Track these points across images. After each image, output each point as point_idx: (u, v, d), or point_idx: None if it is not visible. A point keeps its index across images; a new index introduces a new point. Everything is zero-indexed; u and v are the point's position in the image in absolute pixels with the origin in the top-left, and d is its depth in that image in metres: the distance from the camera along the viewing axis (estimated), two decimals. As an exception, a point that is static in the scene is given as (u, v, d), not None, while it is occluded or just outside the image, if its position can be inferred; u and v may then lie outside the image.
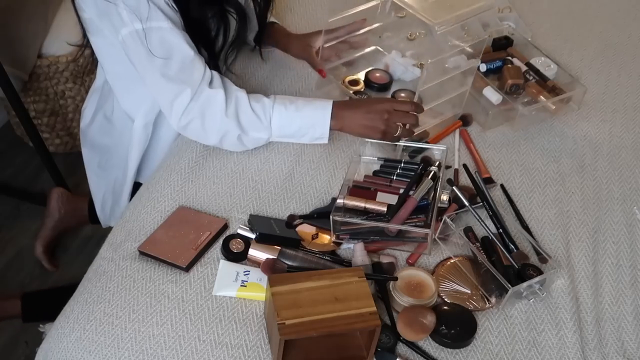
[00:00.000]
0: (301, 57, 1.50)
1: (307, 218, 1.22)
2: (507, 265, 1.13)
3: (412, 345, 1.05)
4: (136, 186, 1.45)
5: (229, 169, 1.31)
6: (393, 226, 1.16)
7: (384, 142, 1.32)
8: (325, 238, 1.18)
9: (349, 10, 1.44)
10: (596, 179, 1.37)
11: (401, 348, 1.05)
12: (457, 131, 1.43)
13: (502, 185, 1.33)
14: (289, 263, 1.12)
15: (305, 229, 1.19)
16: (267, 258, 1.12)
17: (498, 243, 1.17)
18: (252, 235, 1.16)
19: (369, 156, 1.33)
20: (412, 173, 1.26)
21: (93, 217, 1.80)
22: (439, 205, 1.20)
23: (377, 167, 1.32)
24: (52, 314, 1.14)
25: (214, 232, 1.18)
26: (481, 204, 1.23)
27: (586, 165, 1.40)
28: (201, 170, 1.31)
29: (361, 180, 1.29)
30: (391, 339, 1.04)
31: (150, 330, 1.05)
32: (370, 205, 1.20)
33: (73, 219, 2.04)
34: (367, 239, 1.17)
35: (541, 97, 1.43)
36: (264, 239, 1.15)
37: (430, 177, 1.23)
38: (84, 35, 1.35)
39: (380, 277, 1.12)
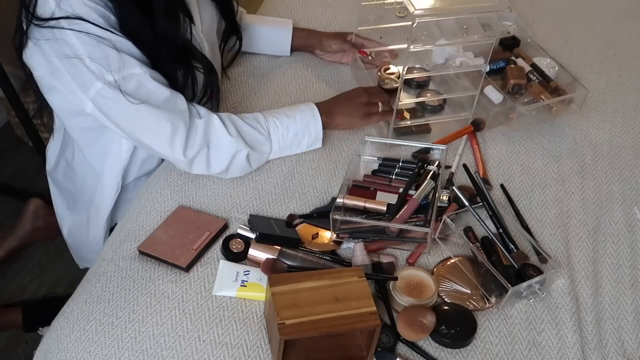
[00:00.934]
0: (333, 46, 1.55)
1: (307, 218, 1.22)
2: (507, 265, 1.13)
3: (412, 345, 1.05)
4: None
5: (229, 168, 1.31)
6: (393, 225, 1.16)
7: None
8: (325, 238, 1.18)
9: (377, 24, 1.56)
10: (596, 179, 1.37)
11: (401, 348, 1.05)
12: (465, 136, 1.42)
13: (502, 185, 1.33)
14: (289, 263, 1.12)
15: (306, 229, 1.19)
16: (267, 258, 1.12)
17: (498, 243, 1.17)
18: (252, 235, 1.16)
19: (368, 156, 1.34)
20: (411, 172, 1.26)
21: None
22: (438, 205, 1.20)
23: (376, 166, 1.32)
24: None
25: (214, 232, 1.18)
26: (481, 204, 1.23)
27: (586, 165, 1.39)
28: (201, 170, 1.31)
29: (361, 179, 1.29)
30: (391, 339, 1.04)
31: (150, 330, 1.05)
32: (370, 205, 1.20)
33: (48, 232, 1.99)
34: (367, 238, 1.17)
35: (542, 97, 1.43)
36: (264, 239, 1.15)
37: (430, 177, 1.23)
38: (36, 92, 1.26)
39: (380, 277, 1.12)
